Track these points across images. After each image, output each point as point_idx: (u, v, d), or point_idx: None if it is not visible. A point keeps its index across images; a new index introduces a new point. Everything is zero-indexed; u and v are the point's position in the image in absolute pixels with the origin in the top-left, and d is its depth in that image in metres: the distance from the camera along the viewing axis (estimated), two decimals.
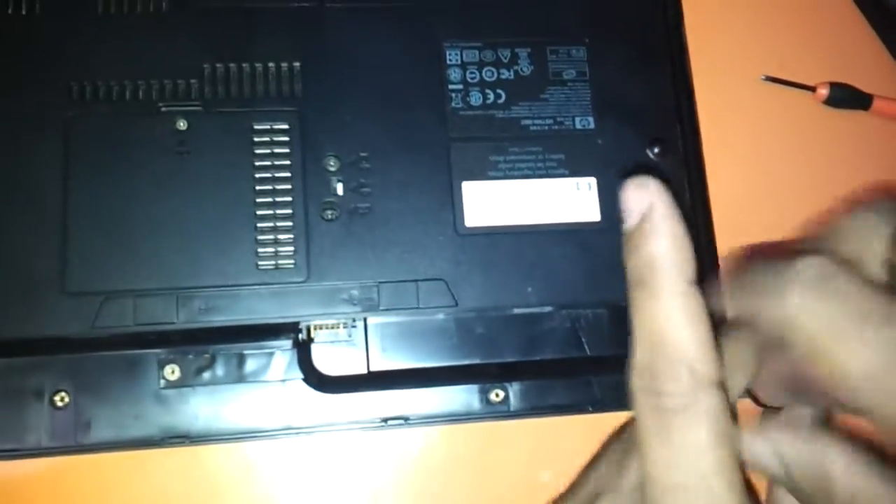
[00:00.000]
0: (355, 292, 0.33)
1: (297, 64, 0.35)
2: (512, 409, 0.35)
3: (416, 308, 0.33)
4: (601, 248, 0.35)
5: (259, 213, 0.33)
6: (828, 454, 0.20)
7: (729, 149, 0.41)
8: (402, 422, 0.34)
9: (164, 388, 0.33)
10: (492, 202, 0.35)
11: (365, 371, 0.34)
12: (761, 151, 0.43)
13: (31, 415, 0.32)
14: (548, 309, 0.35)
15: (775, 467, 0.21)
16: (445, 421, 0.35)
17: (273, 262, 0.33)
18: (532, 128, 0.36)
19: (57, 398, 0.33)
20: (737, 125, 0.43)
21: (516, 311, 0.34)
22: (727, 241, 0.37)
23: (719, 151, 0.40)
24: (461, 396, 0.35)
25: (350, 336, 0.34)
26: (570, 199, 0.36)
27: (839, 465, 0.20)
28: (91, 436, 0.32)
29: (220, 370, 0.34)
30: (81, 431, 0.32)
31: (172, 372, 0.34)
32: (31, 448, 0.32)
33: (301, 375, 0.34)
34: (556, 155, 0.36)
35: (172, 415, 0.33)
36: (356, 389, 0.34)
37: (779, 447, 0.21)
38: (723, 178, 0.39)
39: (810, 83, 0.43)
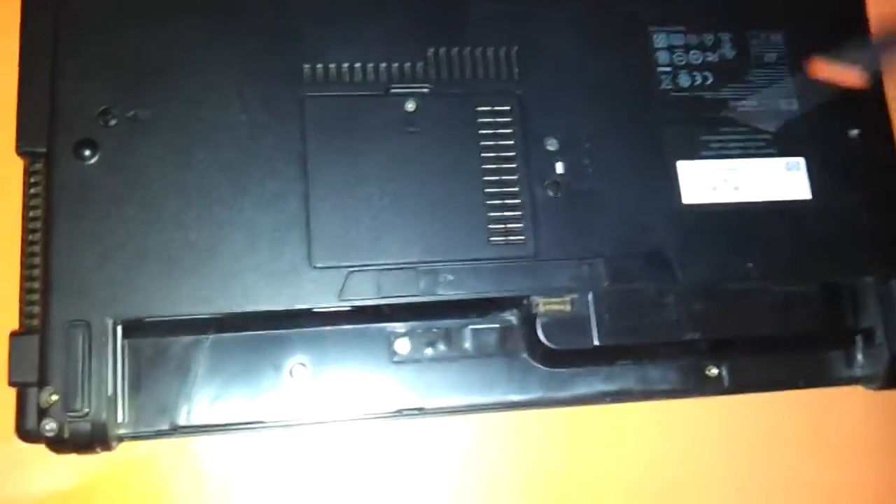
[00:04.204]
0: (582, 268, 0.34)
1: (514, 48, 0.36)
2: (727, 385, 0.36)
3: (641, 283, 0.34)
4: (813, 226, 0.36)
5: (487, 190, 0.34)
6: None
7: None
8: (623, 397, 0.35)
9: (396, 361, 0.34)
10: (706, 180, 0.36)
11: (589, 346, 0.34)
12: None
13: (271, 387, 0.33)
14: (763, 285, 0.35)
15: None
16: (663, 396, 0.36)
17: (504, 238, 0.34)
18: (739, 109, 0.37)
19: (296, 371, 0.34)
20: None
21: (733, 286, 0.35)
22: None
23: None
24: (678, 372, 0.36)
25: (575, 311, 0.34)
26: (780, 178, 0.36)
27: None
28: (327, 411, 0.33)
29: (448, 344, 0.35)
30: (318, 404, 0.33)
31: (402, 345, 0.35)
32: (270, 421, 0.33)
33: (527, 350, 0.35)
34: (765, 135, 0.37)
35: (405, 388, 0.34)
36: (580, 364, 0.35)
37: None
38: None
39: None
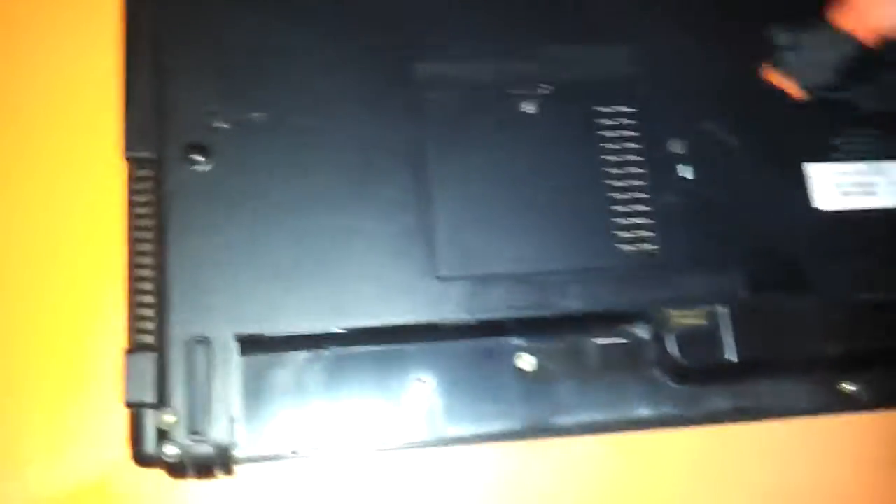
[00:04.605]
0: (718, 278, 0.32)
1: (636, 47, 0.34)
2: (865, 400, 0.34)
3: (779, 294, 0.33)
4: None
5: (614, 195, 0.33)
6: None
7: None
8: (759, 414, 0.33)
9: (520, 378, 0.32)
10: (837, 184, 0.34)
11: (725, 362, 0.33)
12: None
13: (391, 405, 0.31)
14: None
15: None
16: (799, 413, 0.34)
17: (634, 246, 0.32)
18: (867, 110, 0.35)
19: (416, 388, 0.32)
20: None
21: (871, 296, 0.33)
22: None
23: None
24: (814, 388, 0.34)
25: (710, 324, 0.33)
26: None
27: None
28: (453, 429, 0.31)
29: (575, 360, 0.33)
30: (441, 424, 0.32)
31: (526, 361, 0.33)
32: (388, 444, 0.31)
33: (657, 366, 0.33)
34: (894, 137, 0.35)
35: (531, 407, 0.32)
36: (713, 381, 0.33)
37: None
38: None
39: None
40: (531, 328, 0.32)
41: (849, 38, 0.25)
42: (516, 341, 0.32)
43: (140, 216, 0.31)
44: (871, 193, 0.34)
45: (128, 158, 0.31)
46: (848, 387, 0.34)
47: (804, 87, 0.30)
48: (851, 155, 0.35)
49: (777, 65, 0.29)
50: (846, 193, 0.34)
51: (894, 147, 0.35)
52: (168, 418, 0.28)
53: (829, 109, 0.35)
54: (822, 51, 0.26)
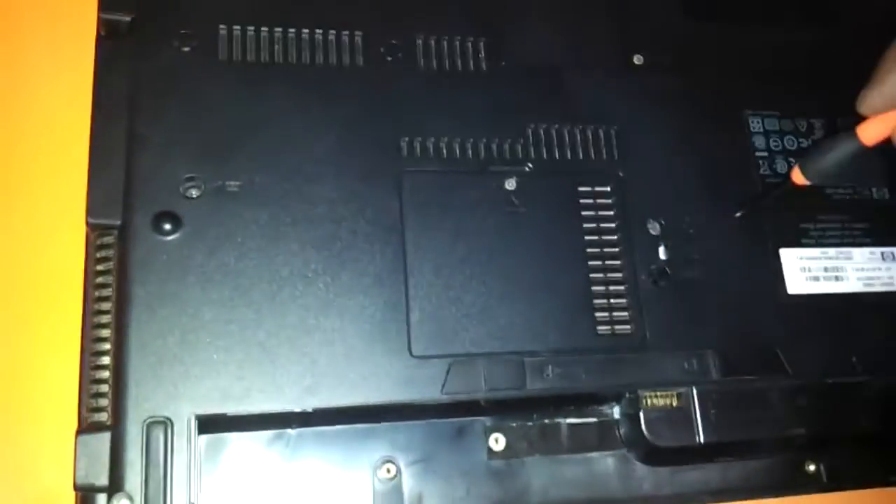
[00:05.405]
0: (691, 361, 0.32)
1: (614, 128, 0.35)
2: (825, 481, 0.34)
3: (752, 377, 0.33)
4: None
5: (593, 276, 0.33)
6: None
7: None
8: (726, 495, 0.33)
9: (490, 458, 0.32)
10: (808, 269, 0.35)
11: (695, 443, 0.32)
12: None
13: (358, 485, 0.30)
14: (865, 379, 0.34)
15: None
16: (763, 494, 0.34)
17: (610, 328, 0.32)
18: (835, 197, 0.36)
19: (385, 469, 0.31)
20: None
21: (838, 380, 0.34)
22: None
23: None
24: (778, 469, 0.34)
25: (680, 406, 0.32)
26: (878, 268, 0.36)
27: None
28: None
29: (546, 440, 0.32)
30: None
31: (497, 441, 0.32)
32: None
33: (627, 446, 0.32)
34: (860, 224, 0.36)
35: (502, 487, 0.31)
36: (683, 461, 0.33)
37: None
38: None
39: None
40: (503, 408, 0.32)
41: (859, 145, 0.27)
42: (488, 421, 0.32)
43: (100, 286, 0.29)
44: (838, 279, 0.35)
45: (91, 224, 0.30)
46: (809, 468, 0.34)
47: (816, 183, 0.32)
48: (820, 241, 0.36)
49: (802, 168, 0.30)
50: (816, 279, 0.35)
51: (857, 233, 0.36)
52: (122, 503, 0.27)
53: (799, 196, 0.36)
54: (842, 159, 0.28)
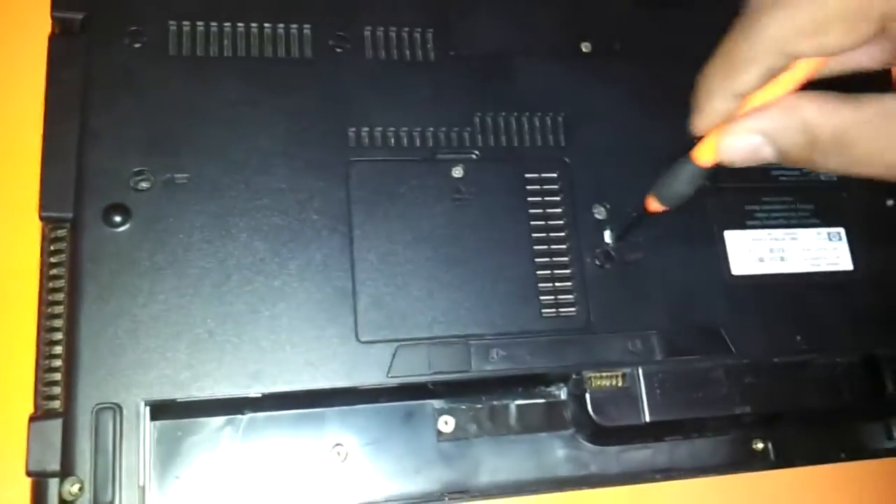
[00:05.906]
0: (635, 342, 0.33)
1: (561, 115, 0.36)
2: (773, 459, 0.35)
3: (695, 357, 0.33)
4: (856, 297, 0.36)
5: (538, 260, 0.33)
6: (799, 106, 0.22)
7: None
8: (674, 473, 0.34)
9: (440, 440, 0.32)
10: (753, 250, 0.36)
11: (640, 422, 0.33)
12: None
13: (308, 468, 0.31)
14: (810, 357, 0.35)
15: (766, 150, 0.23)
16: (713, 472, 0.35)
17: (555, 311, 0.33)
18: (781, 178, 0.37)
19: (335, 451, 0.31)
20: None
21: (783, 359, 0.35)
22: None
23: None
24: (726, 447, 0.35)
25: (626, 386, 0.33)
26: (823, 248, 0.36)
27: (811, 109, 0.22)
28: (370, 492, 0.31)
29: (494, 421, 0.33)
30: (358, 486, 0.31)
31: (447, 423, 0.33)
32: None
33: (575, 426, 0.33)
34: (807, 205, 0.37)
35: (451, 468, 0.32)
36: (630, 441, 0.34)
37: (759, 126, 0.23)
38: None
39: None
40: (452, 391, 0.33)
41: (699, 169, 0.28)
42: (437, 404, 0.33)
43: (53, 277, 0.30)
44: (783, 259, 0.36)
45: (44, 218, 0.30)
46: (758, 445, 0.35)
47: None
48: (766, 223, 0.36)
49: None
50: (760, 259, 0.36)
51: (803, 215, 0.37)
52: (73, 488, 0.27)
53: (745, 178, 0.36)
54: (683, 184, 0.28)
